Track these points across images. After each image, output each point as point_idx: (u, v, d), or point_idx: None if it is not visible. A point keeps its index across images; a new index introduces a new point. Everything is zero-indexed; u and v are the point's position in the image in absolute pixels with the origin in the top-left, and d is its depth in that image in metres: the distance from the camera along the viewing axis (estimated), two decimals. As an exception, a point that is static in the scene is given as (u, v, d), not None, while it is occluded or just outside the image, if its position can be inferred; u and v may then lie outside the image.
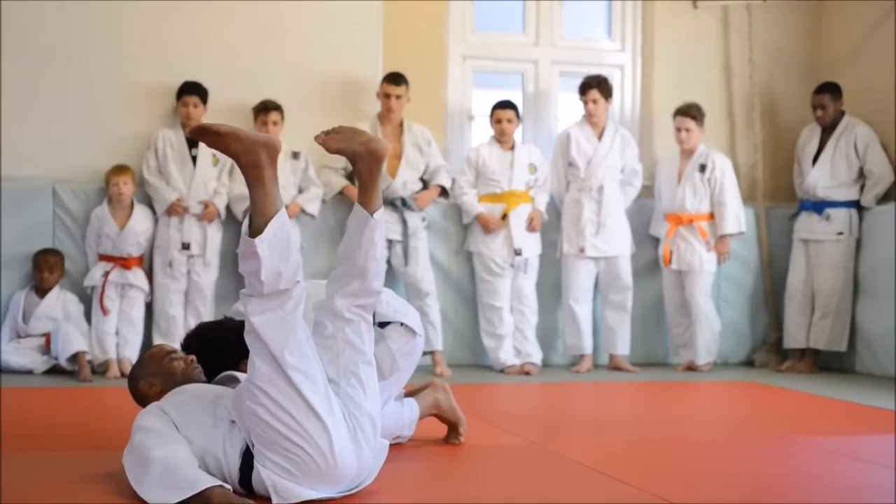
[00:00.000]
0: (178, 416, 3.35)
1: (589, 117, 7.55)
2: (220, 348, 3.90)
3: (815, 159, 7.73)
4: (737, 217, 7.63)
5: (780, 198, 8.22)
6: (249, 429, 3.22)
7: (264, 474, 3.20)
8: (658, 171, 7.88)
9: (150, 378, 3.69)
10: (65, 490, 3.40)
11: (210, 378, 3.76)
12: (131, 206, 6.97)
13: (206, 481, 3.10)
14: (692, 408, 6.18)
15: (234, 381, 3.63)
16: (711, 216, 7.65)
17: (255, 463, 3.22)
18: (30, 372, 6.62)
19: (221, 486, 3.11)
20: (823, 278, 7.60)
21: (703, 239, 7.57)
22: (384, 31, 7.64)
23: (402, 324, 4.07)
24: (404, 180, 7.26)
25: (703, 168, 7.62)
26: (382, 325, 4.00)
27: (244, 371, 3.74)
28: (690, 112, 7.59)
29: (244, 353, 3.90)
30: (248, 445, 3.25)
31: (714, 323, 7.63)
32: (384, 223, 3.49)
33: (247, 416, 3.21)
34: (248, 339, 3.22)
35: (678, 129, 7.62)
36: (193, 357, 3.75)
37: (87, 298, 6.94)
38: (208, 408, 3.37)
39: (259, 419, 3.17)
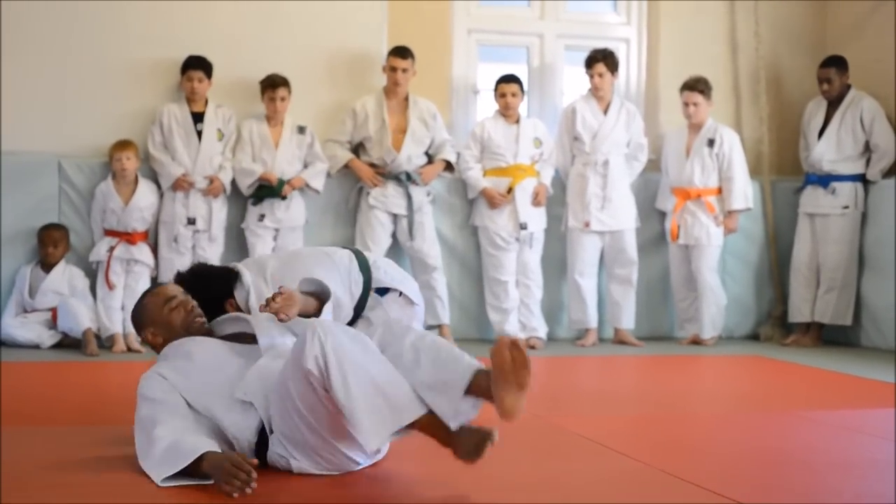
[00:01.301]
0: (184, 382, 3.37)
1: (595, 91, 7.53)
2: (209, 286, 3.88)
3: (820, 133, 7.70)
4: (744, 193, 7.61)
5: (785, 171, 8.20)
6: (280, 427, 3.23)
7: (280, 453, 3.28)
8: (665, 145, 7.86)
9: (152, 327, 3.68)
10: (70, 463, 3.43)
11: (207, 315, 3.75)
12: (136, 182, 6.97)
13: (198, 449, 3.12)
14: (697, 382, 6.20)
15: (234, 323, 3.66)
16: (719, 191, 7.63)
17: (272, 447, 3.27)
18: (36, 346, 6.65)
19: (211, 450, 3.13)
20: (829, 252, 7.60)
21: (712, 214, 7.55)
22: (389, 4, 7.60)
23: (400, 293, 4.09)
24: (409, 154, 7.24)
25: (711, 143, 7.59)
26: (381, 292, 4.01)
27: (230, 311, 3.78)
28: (698, 86, 7.55)
29: (229, 291, 3.89)
30: (263, 426, 3.28)
31: (720, 297, 7.62)
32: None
33: (281, 416, 3.22)
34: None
35: (686, 104, 7.59)
36: (195, 304, 3.69)
37: (93, 273, 6.96)
38: (219, 384, 3.37)
39: (296, 427, 3.20)
